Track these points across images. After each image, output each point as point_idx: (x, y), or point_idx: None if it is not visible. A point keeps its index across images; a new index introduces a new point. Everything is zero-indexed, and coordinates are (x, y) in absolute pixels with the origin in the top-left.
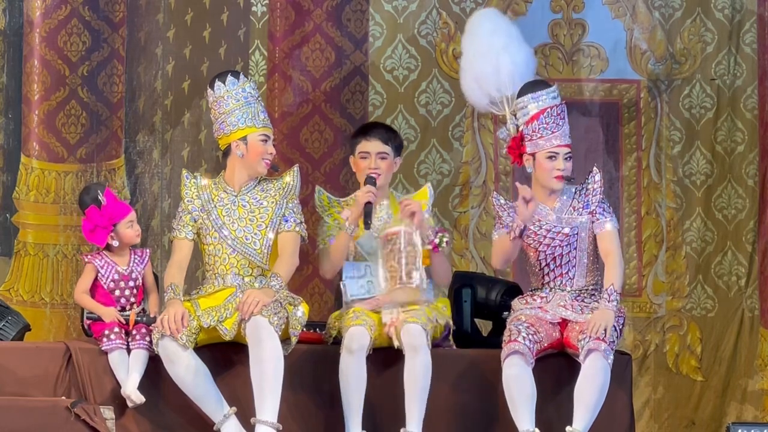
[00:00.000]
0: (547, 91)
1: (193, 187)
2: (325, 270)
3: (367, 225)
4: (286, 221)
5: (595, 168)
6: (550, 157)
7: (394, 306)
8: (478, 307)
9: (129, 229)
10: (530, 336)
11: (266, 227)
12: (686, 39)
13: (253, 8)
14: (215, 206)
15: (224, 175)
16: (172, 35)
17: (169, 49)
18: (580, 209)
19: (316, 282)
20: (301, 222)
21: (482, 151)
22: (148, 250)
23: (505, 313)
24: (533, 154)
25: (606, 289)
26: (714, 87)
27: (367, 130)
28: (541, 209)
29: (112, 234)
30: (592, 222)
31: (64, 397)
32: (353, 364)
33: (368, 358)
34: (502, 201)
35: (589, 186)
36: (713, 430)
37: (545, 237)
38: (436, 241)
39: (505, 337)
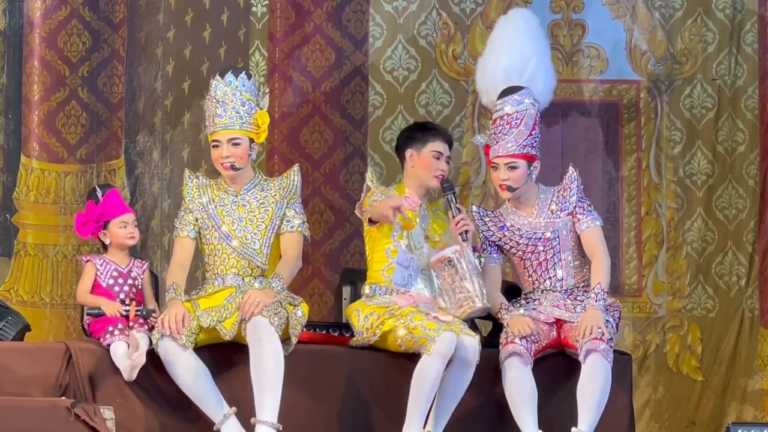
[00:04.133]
0: (510, 97)
1: (194, 187)
2: (367, 209)
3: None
4: (289, 222)
5: (570, 168)
6: (494, 167)
7: (429, 308)
8: None
9: (120, 229)
10: (526, 336)
11: (266, 227)
12: (687, 39)
13: (253, 9)
14: (216, 206)
15: (224, 176)
16: (172, 36)
17: (169, 50)
18: (559, 211)
19: (316, 282)
20: (303, 222)
21: (482, 152)
22: (147, 263)
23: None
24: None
25: (593, 289)
26: (715, 87)
27: (439, 131)
28: (518, 217)
29: (104, 231)
30: (574, 222)
31: (64, 397)
32: (441, 367)
33: (375, 360)
34: (482, 212)
35: (566, 187)
36: (713, 430)
37: (527, 245)
38: (475, 261)
39: (502, 340)
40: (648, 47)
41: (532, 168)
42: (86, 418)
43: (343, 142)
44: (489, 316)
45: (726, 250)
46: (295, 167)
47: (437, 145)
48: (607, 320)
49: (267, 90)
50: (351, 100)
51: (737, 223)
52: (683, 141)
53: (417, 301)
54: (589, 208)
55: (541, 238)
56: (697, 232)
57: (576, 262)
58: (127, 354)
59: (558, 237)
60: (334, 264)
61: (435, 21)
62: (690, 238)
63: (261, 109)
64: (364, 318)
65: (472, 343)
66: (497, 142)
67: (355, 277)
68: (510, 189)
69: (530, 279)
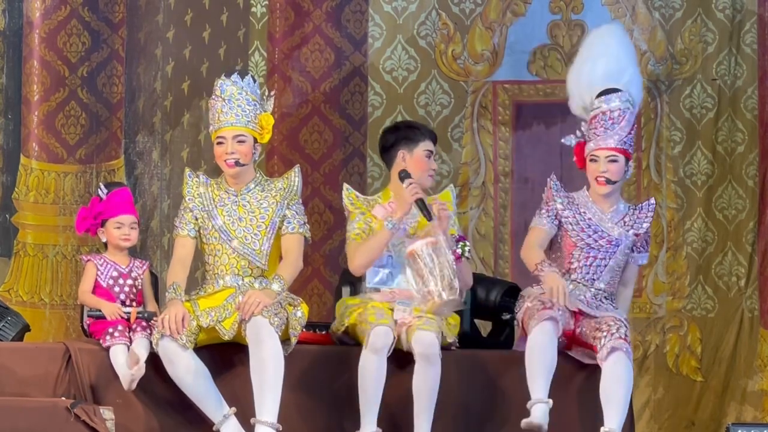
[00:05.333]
0: (613, 95)
1: (195, 186)
2: (357, 265)
3: (429, 217)
4: (290, 223)
5: (653, 199)
6: (592, 160)
7: (407, 305)
8: (478, 307)
9: (116, 229)
10: (560, 310)
11: (266, 228)
12: (687, 39)
13: (253, 9)
14: (216, 206)
15: (224, 176)
16: (171, 36)
17: (169, 50)
18: (630, 226)
19: (316, 282)
20: (304, 223)
21: (481, 152)
22: (148, 262)
23: (505, 314)
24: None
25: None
26: (715, 87)
27: (427, 129)
28: (591, 209)
29: (102, 229)
30: (633, 247)
31: (64, 397)
32: (376, 362)
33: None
34: (558, 186)
35: (643, 212)
36: (713, 430)
37: (590, 237)
38: (459, 251)
39: (537, 307)
40: (648, 47)
41: (628, 166)
42: (86, 419)
43: (342, 142)
44: (488, 316)
45: (726, 251)
46: (296, 168)
47: (428, 144)
48: (624, 324)
49: (272, 93)
50: (350, 100)
51: (737, 223)
52: (683, 141)
53: (396, 296)
54: (648, 246)
55: (605, 237)
56: (697, 233)
57: (616, 275)
58: (126, 362)
59: (618, 246)
60: (333, 264)
61: (434, 21)
62: (690, 239)
63: (265, 111)
64: (343, 308)
65: (427, 337)
66: (598, 136)
67: (354, 277)
68: (609, 182)
69: (569, 266)
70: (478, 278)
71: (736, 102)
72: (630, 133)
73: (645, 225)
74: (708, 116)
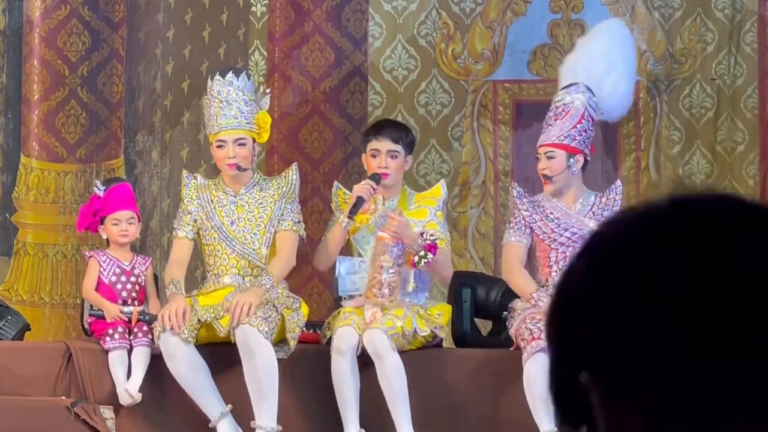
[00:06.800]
0: (563, 90)
1: (193, 188)
2: (317, 260)
3: (350, 216)
4: (284, 220)
5: (618, 181)
6: (537, 159)
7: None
8: (478, 307)
9: (113, 226)
10: None
11: (266, 227)
12: (686, 39)
13: (253, 8)
14: (215, 206)
15: (222, 176)
16: (171, 35)
17: (169, 50)
18: (600, 213)
19: (316, 282)
20: (299, 221)
21: (481, 152)
22: (150, 259)
23: (505, 313)
24: None
25: None
26: (714, 87)
27: (379, 128)
28: (557, 207)
29: (102, 227)
30: None
31: (64, 397)
32: (344, 364)
33: (359, 357)
34: (521, 193)
35: (610, 197)
36: None
37: (562, 235)
38: (415, 259)
39: (526, 336)
40: (647, 47)
41: (572, 161)
42: (86, 418)
43: (342, 141)
44: (489, 315)
45: None
46: (293, 166)
47: (372, 144)
48: None
49: (268, 90)
50: (350, 99)
51: None
52: (682, 141)
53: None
54: None
55: (577, 233)
56: None
57: None
58: (125, 363)
59: None
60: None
61: (434, 20)
62: None
63: (261, 109)
64: (325, 324)
65: (372, 334)
66: (543, 133)
67: None
68: (546, 177)
69: (549, 270)
70: (477, 278)
71: (735, 101)
72: (576, 127)
73: (615, 207)
74: (707, 116)
